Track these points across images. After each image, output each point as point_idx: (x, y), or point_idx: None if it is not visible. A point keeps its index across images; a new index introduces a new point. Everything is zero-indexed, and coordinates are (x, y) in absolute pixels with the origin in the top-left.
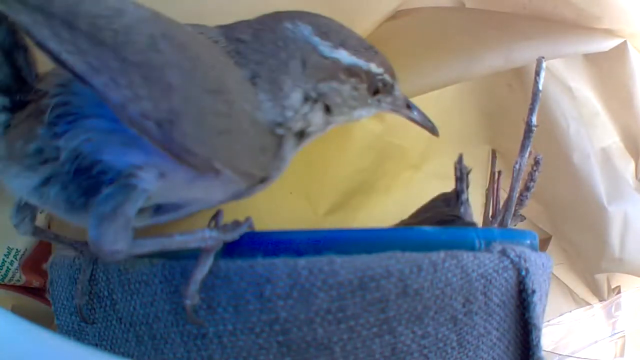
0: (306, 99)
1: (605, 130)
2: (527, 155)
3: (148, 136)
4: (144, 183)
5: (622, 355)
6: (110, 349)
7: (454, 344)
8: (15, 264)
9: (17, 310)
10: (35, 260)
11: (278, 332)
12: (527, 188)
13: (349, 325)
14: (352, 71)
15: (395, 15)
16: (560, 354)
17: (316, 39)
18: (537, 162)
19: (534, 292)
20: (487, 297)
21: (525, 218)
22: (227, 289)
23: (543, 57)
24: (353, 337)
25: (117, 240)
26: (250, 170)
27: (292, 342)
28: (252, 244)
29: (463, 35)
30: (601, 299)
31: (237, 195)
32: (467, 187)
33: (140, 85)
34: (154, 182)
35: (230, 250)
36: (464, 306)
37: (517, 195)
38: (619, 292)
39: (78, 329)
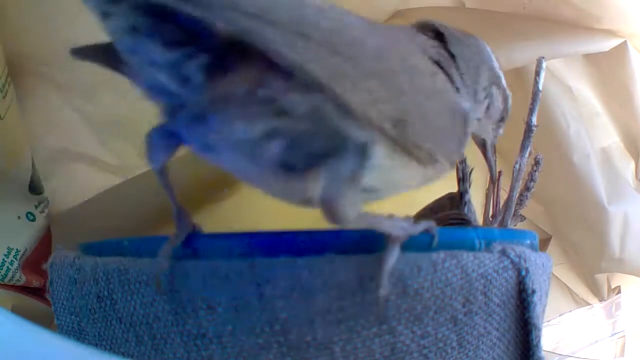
0: (486, 97)
1: (605, 130)
2: (527, 155)
3: (385, 135)
4: (374, 158)
5: (622, 355)
6: (110, 349)
7: (454, 344)
8: (15, 264)
9: (17, 310)
10: (35, 260)
11: (278, 332)
12: (527, 188)
13: (348, 325)
14: (500, 84)
15: (395, 15)
16: (560, 354)
17: (491, 53)
18: (537, 162)
19: (534, 292)
20: (487, 297)
21: (525, 218)
22: (227, 289)
23: (543, 57)
24: (353, 337)
25: (354, 203)
26: (455, 159)
27: (292, 342)
28: (252, 244)
29: None
30: (601, 299)
31: (426, 181)
32: (469, 186)
33: (377, 89)
34: (380, 160)
35: (230, 250)
36: (464, 306)
37: (517, 195)
38: (619, 292)
39: (78, 329)
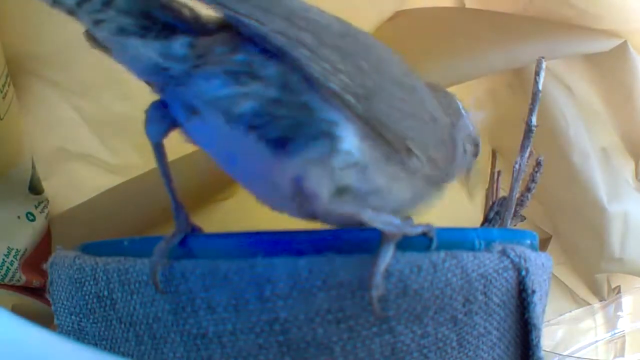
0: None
1: (605, 130)
2: (527, 155)
3: (348, 107)
4: (346, 144)
5: (622, 355)
6: (110, 348)
7: (454, 344)
8: (15, 264)
9: (17, 310)
10: (35, 260)
11: (278, 332)
12: (528, 189)
13: (348, 325)
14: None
15: (395, 16)
16: (560, 354)
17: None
18: (538, 164)
19: (534, 292)
20: (487, 297)
21: (525, 218)
22: (227, 289)
23: (543, 57)
24: (353, 337)
25: (321, 184)
26: (435, 157)
27: (292, 342)
28: (252, 244)
29: (463, 36)
30: (601, 299)
31: (419, 198)
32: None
33: (337, 61)
34: (355, 143)
35: (230, 250)
36: (464, 306)
37: (518, 195)
38: (619, 292)
39: (78, 328)
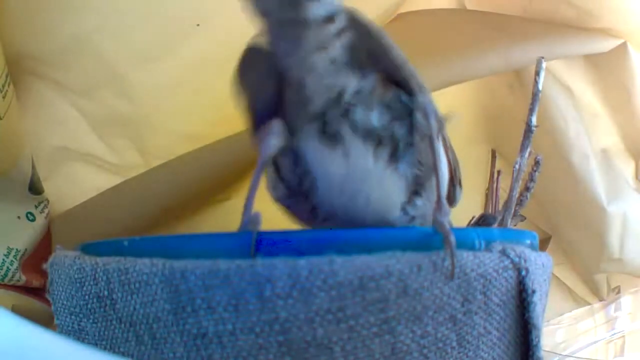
0: None
1: (605, 130)
2: (527, 155)
3: (436, 130)
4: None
5: (622, 355)
6: (110, 348)
7: (454, 344)
8: (15, 264)
9: (17, 310)
10: (35, 260)
11: (278, 332)
12: (527, 188)
13: (348, 325)
14: None
15: (396, 18)
16: (560, 354)
17: None
18: (537, 163)
19: (534, 292)
20: (487, 297)
21: (525, 218)
22: (227, 289)
23: (543, 58)
24: (353, 337)
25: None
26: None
27: (292, 341)
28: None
29: (464, 37)
30: (601, 299)
31: None
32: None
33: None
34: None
35: (230, 250)
36: (462, 305)
37: (517, 195)
38: (618, 292)
39: (78, 329)
